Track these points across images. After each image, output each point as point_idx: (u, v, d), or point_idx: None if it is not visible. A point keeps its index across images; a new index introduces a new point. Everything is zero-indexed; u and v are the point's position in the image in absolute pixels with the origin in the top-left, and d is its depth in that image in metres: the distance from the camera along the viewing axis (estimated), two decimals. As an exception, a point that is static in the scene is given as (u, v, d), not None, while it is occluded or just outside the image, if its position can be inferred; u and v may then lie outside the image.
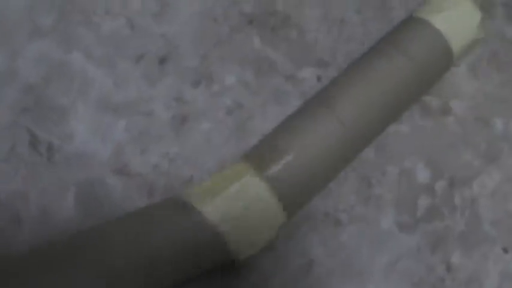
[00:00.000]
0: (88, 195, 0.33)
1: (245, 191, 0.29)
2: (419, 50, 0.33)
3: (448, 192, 0.34)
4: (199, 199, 0.29)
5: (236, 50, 0.35)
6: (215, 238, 0.28)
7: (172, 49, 0.35)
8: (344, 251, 0.33)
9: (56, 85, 0.34)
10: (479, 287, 0.33)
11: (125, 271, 0.27)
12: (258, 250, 0.30)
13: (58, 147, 0.33)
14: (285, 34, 0.36)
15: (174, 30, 0.35)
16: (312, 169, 0.30)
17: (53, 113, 0.34)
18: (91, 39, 0.35)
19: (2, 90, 0.34)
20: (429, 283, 0.32)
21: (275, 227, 0.30)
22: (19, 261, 0.28)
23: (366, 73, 0.32)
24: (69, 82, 0.34)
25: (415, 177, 0.34)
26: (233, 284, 0.32)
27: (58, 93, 0.34)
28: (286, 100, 0.35)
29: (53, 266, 0.27)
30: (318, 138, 0.30)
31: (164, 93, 0.34)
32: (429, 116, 0.35)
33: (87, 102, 0.34)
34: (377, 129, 0.32)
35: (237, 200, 0.29)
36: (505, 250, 0.34)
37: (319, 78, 0.35)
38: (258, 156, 0.31)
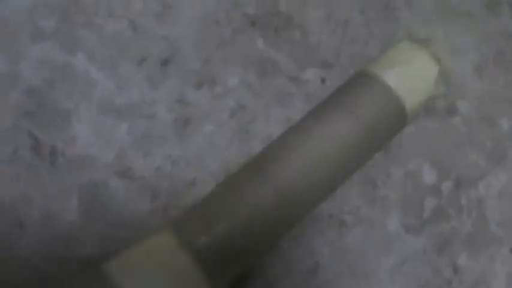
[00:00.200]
0: (91, 198, 0.32)
1: (168, 266, 0.28)
2: (368, 109, 0.30)
3: (454, 193, 0.33)
4: (119, 272, 0.28)
5: (239, 51, 0.35)
6: None
7: (175, 51, 0.35)
8: (350, 253, 0.32)
9: (59, 88, 0.34)
10: (486, 289, 0.33)
11: None
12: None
13: (61, 150, 0.33)
14: (288, 35, 0.35)
15: (177, 32, 0.35)
16: (243, 239, 0.28)
17: (56, 116, 0.34)
18: (94, 42, 0.35)
19: (4, 93, 0.34)
20: (436, 285, 0.32)
21: None
22: None
23: (307, 135, 0.29)
24: (72, 85, 0.34)
25: (421, 178, 0.33)
26: (237, 288, 0.31)
27: (61, 96, 0.34)
28: (290, 102, 0.34)
29: None
30: (250, 206, 0.28)
31: (167, 96, 0.34)
32: (434, 116, 0.35)
33: (90, 105, 0.34)
34: (320, 195, 0.29)
35: (158, 276, 0.27)
36: (513, 251, 0.33)
37: (323, 80, 0.35)
38: (186, 225, 0.28)
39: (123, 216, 0.32)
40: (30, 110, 0.33)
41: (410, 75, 0.31)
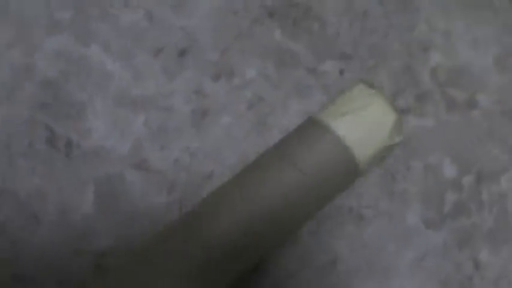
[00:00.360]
0: (107, 191, 0.32)
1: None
2: (312, 161, 0.28)
3: (475, 188, 0.33)
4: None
5: (257, 43, 0.34)
6: None
7: (192, 42, 0.34)
8: (369, 248, 0.32)
9: (74, 80, 0.34)
10: (508, 285, 0.32)
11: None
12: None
13: (76, 142, 0.33)
14: (307, 26, 0.35)
15: (194, 22, 0.34)
16: None
17: (71, 108, 0.33)
18: (109, 33, 0.34)
19: (19, 85, 0.33)
20: (457, 281, 0.32)
21: None
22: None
23: (245, 189, 0.28)
24: (87, 77, 0.34)
25: (441, 172, 0.33)
26: (257, 282, 0.31)
27: (76, 88, 0.33)
28: (308, 93, 0.34)
29: None
30: (177, 264, 0.26)
31: (184, 87, 0.33)
32: (454, 109, 0.34)
33: (106, 97, 0.33)
34: (255, 251, 0.28)
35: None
36: (535, 247, 0.33)
37: (341, 72, 0.34)
38: None
39: (139, 209, 0.32)
40: (45, 102, 0.33)
41: (362, 124, 0.29)
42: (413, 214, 0.32)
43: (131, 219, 0.32)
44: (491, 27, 0.35)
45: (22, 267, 0.31)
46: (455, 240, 0.32)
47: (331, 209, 0.32)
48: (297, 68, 0.34)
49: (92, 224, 0.32)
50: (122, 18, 0.34)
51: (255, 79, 0.34)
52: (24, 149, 0.33)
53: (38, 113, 0.33)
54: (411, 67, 0.34)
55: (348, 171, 0.29)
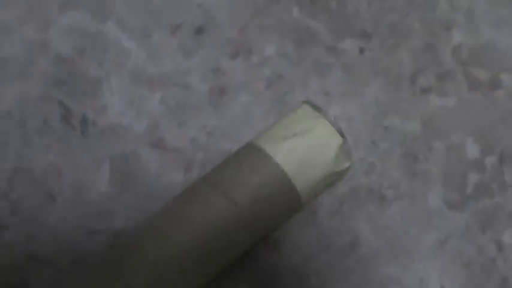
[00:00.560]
0: (123, 169, 0.31)
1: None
2: (247, 191, 0.26)
3: (498, 169, 0.32)
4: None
5: (275, 20, 0.34)
6: None
7: (209, 19, 0.33)
8: (390, 229, 0.31)
9: (89, 57, 0.33)
10: (531, 268, 0.31)
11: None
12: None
13: (92, 120, 0.32)
14: (325, 4, 0.34)
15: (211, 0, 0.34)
16: None
17: (87, 85, 0.33)
18: (125, 9, 0.33)
19: (33, 63, 0.33)
20: (479, 263, 0.31)
21: None
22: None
23: (171, 223, 0.26)
24: (103, 54, 0.33)
25: (464, 152, 0.32)
26: (275, 265, 0.30)
27: (91, 65, 0.33)
28: (327, 72, 0.33)
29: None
30: None
31: (201, 65, 0.33)
32: (477, 89, 0.33)
33: (122, 74, 0.33)
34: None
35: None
36: (559, 229, 0.32)
37: (361, 50, 0.33)
38: None
39: (155, 188, 0.31)
40: (60, 79, 0.33)
41: (304, 149, 0.27)
42: (435, 195, 0.32)
43: (147, 198, 0.31)
44: (514, 6, 0.35)
45: (37, 247, 0.30)
46: (477, 221, 0.31)
47: (350, 190, 0.31)
48: (316, 46, 0.33)
49: (107, 203, 0.31)
50: (138, -6, 0.34)
51: (274, 57, 0.33)
52: (39, 126, 0.32)
53: (53, 89, 0.32)
54: (433, 46, 0.34)
55: (287, 200, 0.27)
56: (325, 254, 0.31)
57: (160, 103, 0.32)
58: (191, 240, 0.26)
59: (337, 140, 0.28)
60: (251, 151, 0.27)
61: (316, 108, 0.28)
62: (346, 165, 0.29)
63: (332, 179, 0.29)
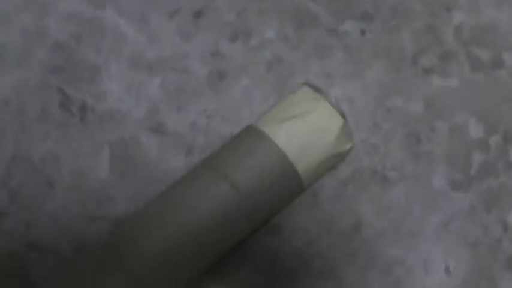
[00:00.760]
0: (123, 155, 0.31)
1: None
2: (247, 174, 0.25)
3: (502, 148, 0.32)
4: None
5: (274, 3, 0.33)
6: None
7: (208, 2, 0.33)
8: (393, 211, 0.31)
9: (87, 43, 0.33)
10: (538, 248, 0.31)
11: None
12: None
13: (91, 106, 0.32)
14: (325, -14, 0.34)
15: (210, -17, 0.34)
16: None
17: (85, 72, 0.32)
18: (123, -6, 0.33)
19: (31, 50, 0.32)
20: (485, 244, 0.30)
21: None
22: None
23: (172, 208, 0.25)
24: (101, 39, 0.33)
25: (467, 132, 0.32)
26: (277, 249, 0.30)
27: (90, 52, 0.32)
28: (328, 54, 0.33)
29: None
30: None
31: (200, 49, 0.33)
32: (479, 69, 0.33)
33: (120, 59, 0.32)
34: (188, 275, 0.26)
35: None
36: None
37: (362, 32, 0.33)
38: None
39: (156, 173, 0.31)
40: (58, 66, 0.32)
41: (305, 131, 0.26)
42: (439, 176, 0.31)
43: (148, 183, 0.31)
44: (515, -14, 0.34)
45: (36, 235, 0.30)
46: (482, 202, 0.31)
47: (353, 172, 0.31)
48: (317, 29, 0.33)
49: (107, 189, 0.31)
50: (135, -21, 0.33)
51: (274, 40, 0.33)
52: (37, 113, 0.32)
53: (51, 77, 0.32)
54: (434, 27, 0.33)
55: (288, 183, 0.26)
56: (327, 237, 0.30)
57: (160, 88, 0.32)
58: (191, 226, 0.25)
59: (338, 121, 0.27)
60: (250, 134, 0.27)
61: (316, 89, 0.28)
62: (348, 146, 0.28)
63: (334, 161, 0.28)
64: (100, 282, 0.25)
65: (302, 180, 0.27)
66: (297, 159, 0.27)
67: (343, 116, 0.28)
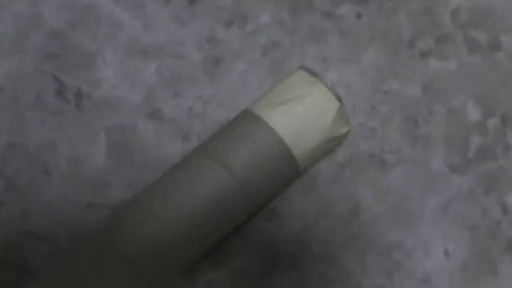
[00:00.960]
0: (119, 142, 0.31)
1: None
2: (244, 159, 0.25)
3: (500, 131, 0.32)
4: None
5: (270, -12, 0.33)
6: None
7: (203, -12, 0.33)
8: (392, 194, 0.31)
9: (82, 30, 0.32)
10: (537, 230, 0.31)
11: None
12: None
13: (86, 93, 0.32)
14: (321, -30, 0.34)
15: (204, -32, 0.33)
16: None
17: (80, 59, 0.32)
18: (117, -19, 0.33)
19: (26, 37, 0.32)
20: (484, 226, 0.30)
21: None
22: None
23: (168, 194, 0.25)
24: (96, 26, 0.32)
25: (465, 115, 0.32)
26: (275, 234, 0.30)
27: (84, 38, 0.32)
28: (324, 38, 0.33)
29: None
30: (100, 279, 0.24)
31: (196, 35, 0.32)
32: (477, 51, 0.33)
33: (116, 46, 0.32)
34: (180, 262, 0.26)
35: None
36: None
37: (358, 15, 0.33)
38: None
39: (153, 159, 0.31)
40: (53, 53, 0.32)
41: (301, 115, 0.26)
42: (437, 159, 0.31)
43: (145, 170, 0.31)
44: (512, -32, 0.34)
45: (33, 223, 0.30)
46: (481, 184, 0.31)
47: (350, 156, 0.31)
48: (312, 13, 0.33)
49: (104, 176, 0.31)
50: (130, -35, 0.33)
51: (269, 25, 0.33)
52: (32, 101, 0.31)
53: (46, 64, 0.32)
54: (431, 9, 0.33)
55: (285, 167, 0.26)
56: (326, 221, 0.30)
57: (156, 74, 0.32)
58: (187, 212, 0.25)
59: (334, 104, 0.27)
60: (246, 118, 0.27)
61: (312, 73, 0.28)
62: (345, 130, 0.28)
63: (330, 145, 0.28)
64: (96, 270, 0.25)
65: (298, 164, 0.27)
66: (294, 143, 0.26)
67: (339, 99, 0.27)
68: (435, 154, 0.31)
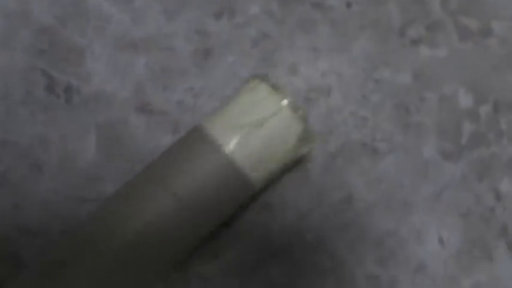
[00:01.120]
0: (110, 136, 0.31)
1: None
2: (193, 186, 0.23)
3: (493, 117, 0.31)
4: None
5: (258, -21, 0.33)
6: None
7: (191, -19, 0.33)
8: (384, 183, 0.30)
9: (71, 25, 0.32)
10: (532, 216, 0.31)
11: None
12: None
13: (76, 88, 0.31)
14: (310, -40, 0.33)
15: (192, -40, 0.33)
16: None
17: (70, 54, 0.32)
18: (105, -25, 0.33)
19: (15, 33, 0.32)
20: (478, 213, 0.30)
21: None
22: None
23: (115, 221, 0.24)
24: (85, 21, 0.32)
25: (457, 102, 0.32)
26: (269, 225, 0.30)
27: (74, 33, 0.32)
28: (314, 29, 0.32)
29: None
30: None
31: (185, 27, 0.32)
32: (468, 38, 0.33)
33: (105, 40, 0.32)
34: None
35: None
36: (558, 175, 0.31)
37: (348, 4, 0.33)
38: None
39: (144, 152, 0.31)
40: (42, 49, 0.32)
41: (262, 139, 0.24)
42: (430, 147, 0.31)
43: (136, 163, 0.31)
44: (502, -45, 0.34)
45: (26, 218, 0.30)
46: (474, 171, 0.31)
47: (342, 145, 0.31)
48: (302, 3, 0.33)
49: (95, 170, 0.31)
50: (117, -41, 0.33)
51: (259, 16, 0.32)
52: (23, 97, 0.31)
53: (35, 59, 0.32)
54: (420, -3, 0.33)
55: (237, 191, 0.24)
56: (319, 210, 0.30)
57: (145, 67, 0.32)
58: (135, 239, 0.24)
59: (299, 125, 0.25)
60: (199, 139, 0.24)
61: (274, 86, 0.25)
62: (308, 148, 0.26)
63: (291, 164, 0.27)
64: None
65: (254, 186, 0.25)
66: (250, 167, 0.24)
67: (304, 116, 0.25)
68: (427, 142, 0.31)
